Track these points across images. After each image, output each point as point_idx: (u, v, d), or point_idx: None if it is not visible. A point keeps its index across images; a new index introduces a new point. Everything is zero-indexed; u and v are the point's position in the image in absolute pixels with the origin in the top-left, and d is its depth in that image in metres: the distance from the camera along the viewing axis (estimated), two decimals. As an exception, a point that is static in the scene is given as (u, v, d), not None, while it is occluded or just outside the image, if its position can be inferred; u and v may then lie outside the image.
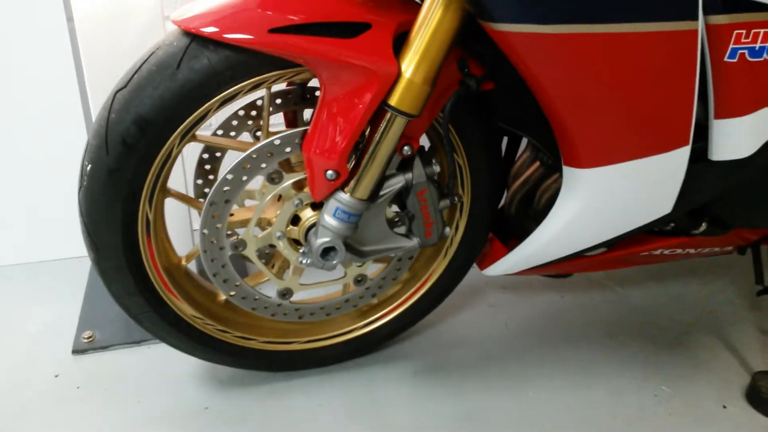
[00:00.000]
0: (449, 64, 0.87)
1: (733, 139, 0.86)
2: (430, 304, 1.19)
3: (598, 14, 0.70)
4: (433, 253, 1.15)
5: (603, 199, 0.93)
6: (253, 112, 1.04)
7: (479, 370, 1.22)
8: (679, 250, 1.14)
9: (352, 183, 0.90)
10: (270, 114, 0.95)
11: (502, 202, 1.15)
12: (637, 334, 1.33)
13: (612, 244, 1.09)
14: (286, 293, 1.04)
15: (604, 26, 0.70)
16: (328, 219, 0.92)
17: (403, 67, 0.82)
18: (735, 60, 0.77)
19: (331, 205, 0.91)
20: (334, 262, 0.95)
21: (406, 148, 0.92)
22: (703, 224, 1.03)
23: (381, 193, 0.94)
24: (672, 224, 1.05)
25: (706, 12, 0.73)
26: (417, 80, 0.82)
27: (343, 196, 0.90)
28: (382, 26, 0.82)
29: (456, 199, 1.00)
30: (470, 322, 1.37)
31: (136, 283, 0.95)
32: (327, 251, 0.94)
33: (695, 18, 0.71)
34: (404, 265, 1.09)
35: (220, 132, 1.04)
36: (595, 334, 1.33)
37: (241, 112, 1.03)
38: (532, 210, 1.12)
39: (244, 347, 1.10)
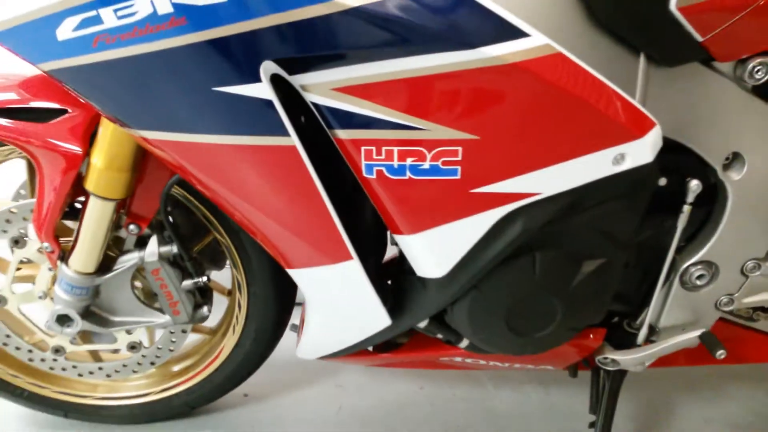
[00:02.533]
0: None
1: (419, 257, 0.77)
2: (229, 379, 1.16)
3: (195, 126, 0.67)
4: (225, 329, 1.14)
5: (320, 299, 0.88)
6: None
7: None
8: (482, 362, 1.03)
9: (71, 257, 0.92)
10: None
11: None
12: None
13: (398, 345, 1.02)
14: (59, 350, 1.08)
15: (206, 137, 0.67)
16: (57, 288, 0.95)
17: (94, 154, 0.84)
18: (373, 176, 0.69)
19: (58, 275, 0.94)
20: (70, 329, 0.97)
21: (132, 227, 0.93)
22: (465, 339, 0.92)
23: (115, 267, 0.96)
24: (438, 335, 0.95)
25: (329, 126, 0.68)
26: (109, 168, 0.84)
27: (64, 269, 0.93)
28: (80, 113, 0.84)
29: (202, 281, 0.99)
30: (308, 401, 1.32)
31: None
32: (63, 318, 0.97)
33: (283, 134, 0.66)
34: (179, 337, 1.09)
35: (23, 191, 1.11)
36: (425, 437, 1.22)
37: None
38: None
39: (37, 394, 1.15)
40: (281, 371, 1.37)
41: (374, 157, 0.68)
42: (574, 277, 0.79)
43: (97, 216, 0.88)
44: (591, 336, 0.93)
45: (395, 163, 0.68)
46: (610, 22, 0.69)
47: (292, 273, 0.84)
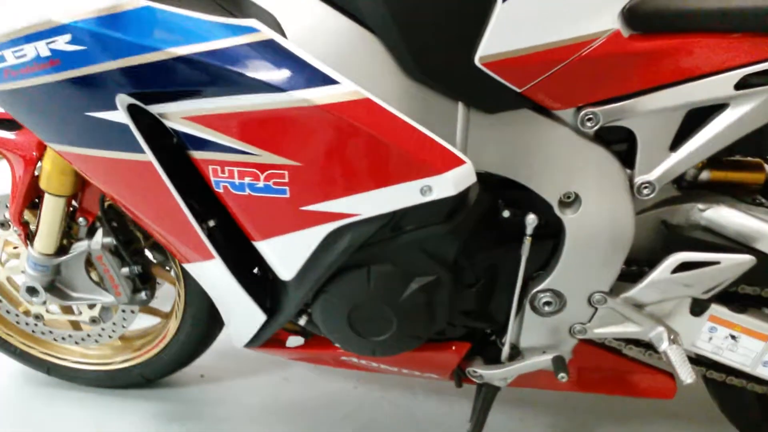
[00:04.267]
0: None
1: (271, 261, 0.91)
2: (176, 357, 1.34)
3: (75, 141, 0.85)
4: (171, 313, 1.32)
5: (212, 294, 1.03)
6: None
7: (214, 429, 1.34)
8: (374, 364, 1.14)
9: (35, 240, 1.14)
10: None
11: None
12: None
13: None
14: (38, 317, 1.31)
15: (84, 150, 0.85)
16: (26, 264, 1.17)
17: (45, 158, 1.04)
18: (222, 191, 0.84)
19: (28, 254, 1.16)
20: (36, 299, 1.19)
21: (81, 219, 1.13)
22: (339, 340, 1.04)
23: (70, 251, 1.17)
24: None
25: (185, 147, 0.83)
26: (55, 170, 1.04)
27: (30, 249, 1.15)
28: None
29: (136, 269, 1.17)
30: (254, 388, 1.48)
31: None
32: (31, 290, 1.19)
33: (141, 151, 0.82)
34: (129, 316, 1.28)
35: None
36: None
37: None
38: None
39: (27, 352, 1.39)
40: (240, 361, 1.55)
41: (220, 174, 0.83)
42: (404, 290, 0.89)
43: (51, 209, 1.09)
44: (453, 348, 1.02)
45: (236, 180, 0.83)
46: (420, 77, 0.79)
47: (186, 268, 1.00)
